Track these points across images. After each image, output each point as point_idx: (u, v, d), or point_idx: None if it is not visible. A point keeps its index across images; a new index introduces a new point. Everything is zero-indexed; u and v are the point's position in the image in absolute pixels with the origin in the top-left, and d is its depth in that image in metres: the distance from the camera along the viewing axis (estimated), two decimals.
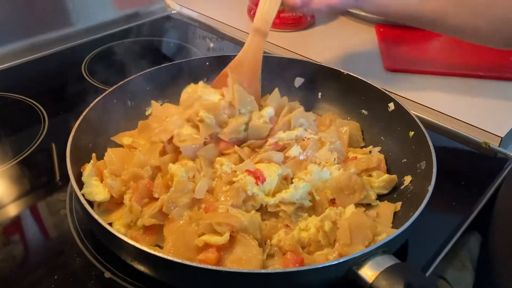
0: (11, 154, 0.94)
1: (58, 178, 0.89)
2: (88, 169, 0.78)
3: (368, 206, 0.81)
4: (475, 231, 0.96)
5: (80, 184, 0.75)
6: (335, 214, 0.73)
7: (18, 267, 0.72)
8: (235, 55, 0.96)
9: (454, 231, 0.81)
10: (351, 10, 1.48)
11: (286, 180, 0.80)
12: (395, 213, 0.78)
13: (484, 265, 0.94)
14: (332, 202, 0.80)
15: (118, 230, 0.74)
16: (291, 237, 0.71)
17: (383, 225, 0.75)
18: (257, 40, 0.94)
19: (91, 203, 0.75)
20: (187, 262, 0.58)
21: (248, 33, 0.96)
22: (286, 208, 0.75)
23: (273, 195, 0.77)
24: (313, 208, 0.78)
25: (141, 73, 0.97)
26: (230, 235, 0.69)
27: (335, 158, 0.85)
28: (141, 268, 0.65)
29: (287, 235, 0.72)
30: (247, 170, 0.77)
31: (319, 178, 0.81)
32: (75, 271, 0.71)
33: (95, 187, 0.77)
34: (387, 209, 0.78)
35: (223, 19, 1.48)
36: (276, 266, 0.69)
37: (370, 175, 0.84)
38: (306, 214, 0.76)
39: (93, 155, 0.82)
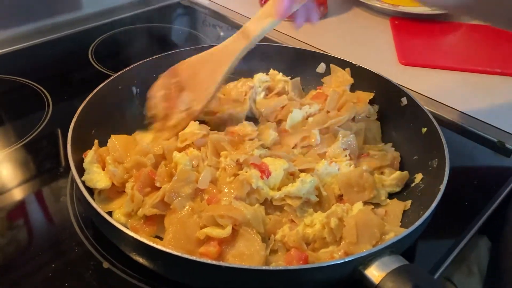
0: (13, 138, 0.92)
1: (59, 164, 0.87)
2: (90, 156, 0.76)
3: (376, 204, 0.78)
4: (484, 235, 0.92)
5: (81, 171, 0.73)
6: (342, 211, 0.70)
7: (15, 255, 0.71)
8: None
9: (464, 233, 0.78)
10: (365, 1, 1.44)
11: (293, 176, 0.77)
12: (404, 211, 0.75)
13: (493, 272, 0.91)
14: (340, 198, 0.77)
15: (118, 219, 0.72)
16: (296, 233, 0.69)
17: (392, 224, 0.73)
18: (237, 44, 0.82)
19: (91, 191, 0.74)
20: (186, 256, 0.57)
21: None
22: (292, 202, 0.73)
23: (278, 189, 0.74)
24: (320, 204, 0.76)
25: (147, 59, 0.95)
26: (233, 229, 0.67)
27: (346, 155, 0.82)
28: (139, 260, 0.63)
29: (292, 230, 0.70)
30: (252, 163, 0.74)
31: (326, 173, 0.78)
32: (73, 260, 0.69)
33: (96, 174, 0.75)
34: (396, 207, 0.76)
35: (234, 8, 1.45)
36: (279, 263, 0.67)
37: (382, 173, 0.82)
38: (311, 209, 0.74)
39: (95, 141, 0.80)
